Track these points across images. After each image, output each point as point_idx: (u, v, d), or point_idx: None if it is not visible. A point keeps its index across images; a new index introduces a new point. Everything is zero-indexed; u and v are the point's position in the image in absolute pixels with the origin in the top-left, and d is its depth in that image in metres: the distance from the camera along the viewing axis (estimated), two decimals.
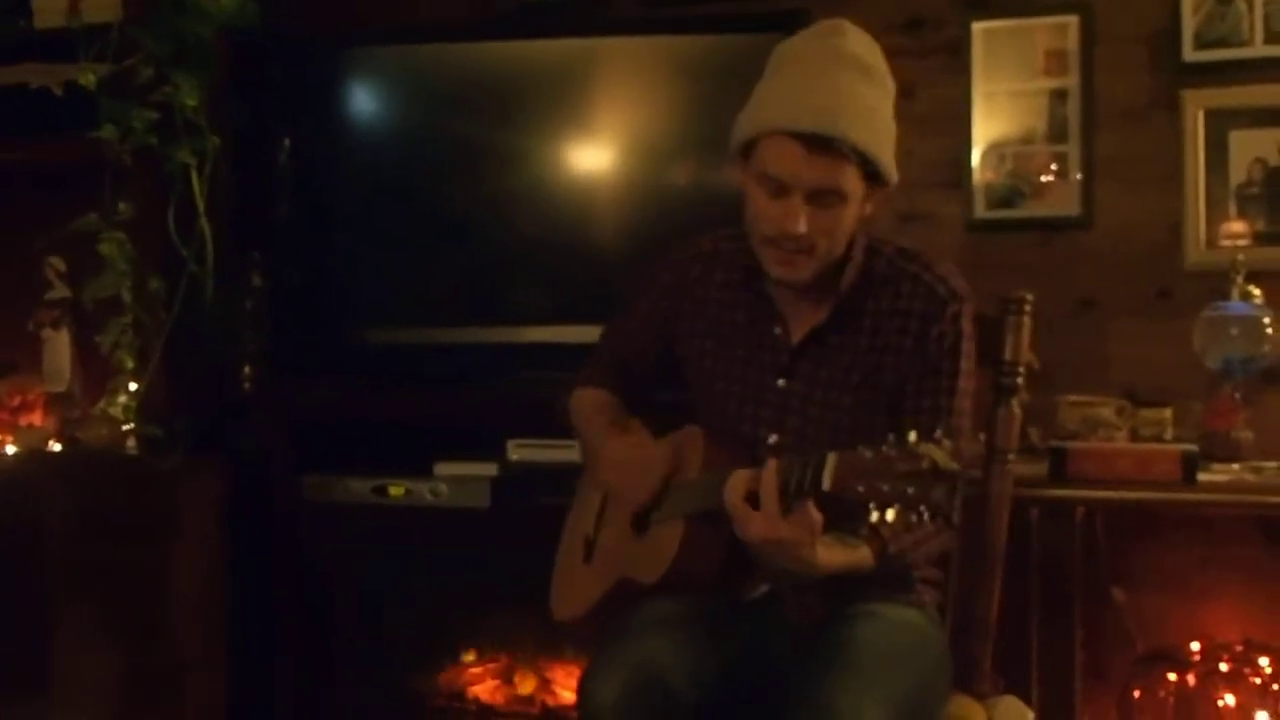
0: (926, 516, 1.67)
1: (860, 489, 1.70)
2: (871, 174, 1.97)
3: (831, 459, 1.75)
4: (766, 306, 2.12)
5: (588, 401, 2.30)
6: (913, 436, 1.69)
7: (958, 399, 2.04)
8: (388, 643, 3.23)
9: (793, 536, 1.82)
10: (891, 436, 1.71)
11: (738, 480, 1.87)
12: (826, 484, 1.75)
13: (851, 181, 1.95)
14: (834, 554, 1.91)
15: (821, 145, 1.91)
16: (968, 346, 2.06)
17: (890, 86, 2.02)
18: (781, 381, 2.09)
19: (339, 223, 3.28)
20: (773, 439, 2.08)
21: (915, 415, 2.01)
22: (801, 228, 1.94)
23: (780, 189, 1.95)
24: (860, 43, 2.00)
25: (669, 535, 2.04)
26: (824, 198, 1.95)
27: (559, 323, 3.03)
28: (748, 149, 2.01)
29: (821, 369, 2.07)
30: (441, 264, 3.22)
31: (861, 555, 1.94)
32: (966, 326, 2.05)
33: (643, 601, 2.05)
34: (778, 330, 2.11)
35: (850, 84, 1.94)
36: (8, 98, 3.16)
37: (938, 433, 1.70)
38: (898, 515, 1.67)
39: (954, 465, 1.66)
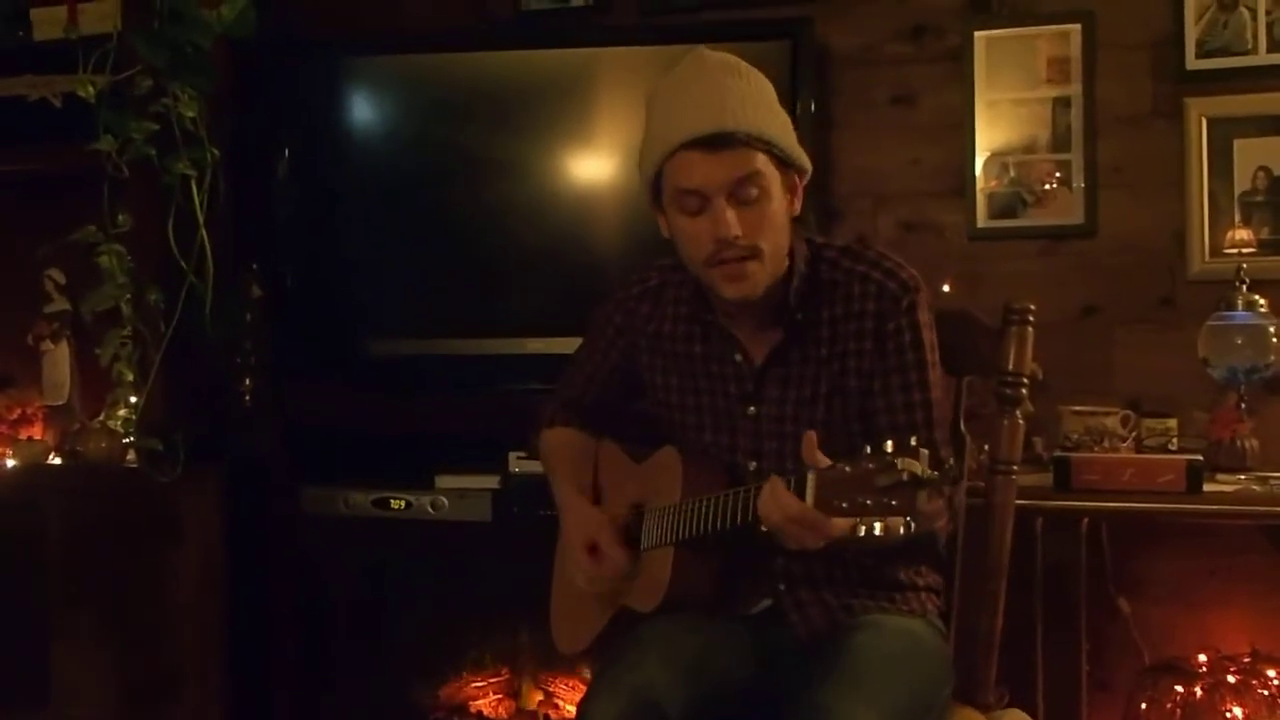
0: (915, 527, 1.67)
1: (843, 505, 1.69)
2: (781, 160, 1.96)
3: (812, 477, 1.75)
4: (721, 335, 2.11)
5: (552, 446, 2.32)
6: (889, 447, 1.67)
7: (930, 391, 2.04)
8: (389, 656, 3.21)
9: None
10: (868, 448, 1.69)
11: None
12: (809, 502, 1.74)
13: (764, 166, 1.93)
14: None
15: (719, 142, 1.90)
16: (927, 336, 2.05)
17: (767, 83, 2.00)
18: (752, 409, 2.08)
19: (339, 233, 3.28)
20: (753, 465, 2.07)
21: (889, 415, 2.02)
22: (735, 228, 1.92)
23: (700, 202, 1.94)
24: (724, 55, 2.00)
25: (660, 563, 2.04)
26: (744, 191, 1.93)
27: (561, 334, 3.00)
28: (658, 188, 2.00)
29: (789, 388, 2.06)
30: (442, 274, 3.21)
31: None
32: (923, 316, 2.04)
33: (642, 624, 2.05)
34: (738, 357, 2.10)
35: (724, 81, 1.94)
36: (6, 109, 3.16)
37: (913, 441, 1.68)
38: (884, 529, 1.66)
39: (934, 474, 1.65)
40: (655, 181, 2.00)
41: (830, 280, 2.05)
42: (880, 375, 2.03)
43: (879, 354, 2.02)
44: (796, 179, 2.01)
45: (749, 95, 1.94)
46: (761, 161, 1.93)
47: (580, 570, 2.15)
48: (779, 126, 1.96)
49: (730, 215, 1.93)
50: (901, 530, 1.67)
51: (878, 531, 1.67)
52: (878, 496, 1.66)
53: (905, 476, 1.64)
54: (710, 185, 1.93)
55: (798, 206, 2.03)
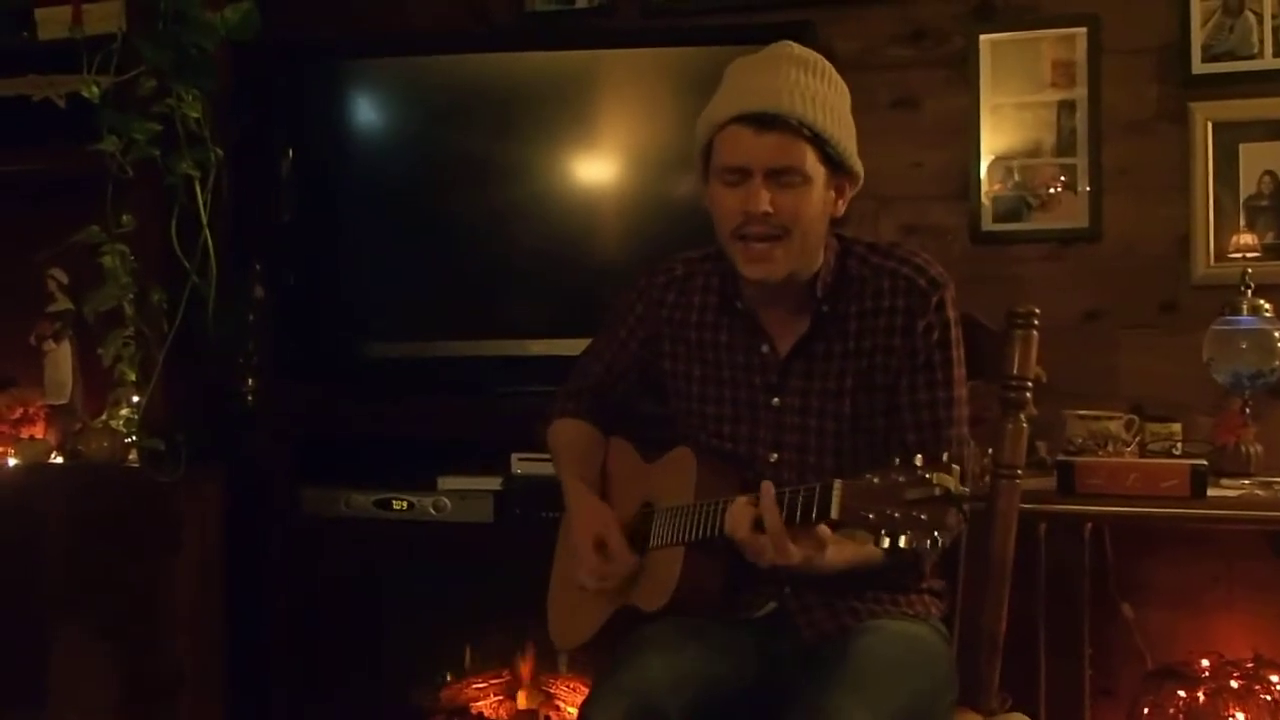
0: (942, 543, 1.66)
1: (870, 516, 1.69)
2: (832, 160, 1.97)
3: (838, 487, 1.75)
4: (749, 325, 2.11)
5: (561, 439, 2.31)
6: (919, 460, 1.67)
7: (955, 389, 2.04)
8: (390, 657, 3.21)
9: (805, 555, 1.84)
10: (897, 460, 1.69)
11: (741, 514, 1.87)
12: (834, 513, 1.75)
13: (809, 161, 1.95)
14: (843, 550, 1.90)
15: (769, 123, 1.92)
16: (955, 334, 2.06)
17: (842, 90, 2.02)
18: (775, 400, 2.08)
19: (342, 235, 3.27)
20: (773, 457, 2.07)
21: (913, 412, 2.02)
22: (764, 205, 1.94)
23: (740, 176, 1.96)
24: (808, 52, 2.01)
25: (669, 563, 2.03)
26: (784, 176, 1.95)
27: (563, 336, 3.01)
28: (707, 158, 2.01)
29: (813, 380, 2.06)
30: (444, 276, 3.21)
31: (870, 550, 1.90)
32: (951, 313, 2.05)
33: (644, 625, 2.04)
34: (765, 348, 2.10)
35: (795, 73, 1.95)
36: (10, 109, 3.16)
37: (945, 456, 1.68)
38: (909, 542, 1.65)
39: (966, 490, 1.66)
40: (705, 150, 2.01)
41: (859, 275, 2.06)
42: (908, 372, 2.03)
43: (907, 350, 2.02)
44: (846, 183, 2.02)
45: (815, 92, 1.95)
46: (808, 155, 1.94)
47: (587, 568, 2.14)
48: (837, 128, 1.97)
49: (764, 193, 1.94)
50: (928, 544, 1.66)
51: (902, 544, 1.66)
52: (906, 509, 1.66)
53: (938, 491, 1.64)
54: (753, 163, 1.94)
55: (841, 209, 2.04)
